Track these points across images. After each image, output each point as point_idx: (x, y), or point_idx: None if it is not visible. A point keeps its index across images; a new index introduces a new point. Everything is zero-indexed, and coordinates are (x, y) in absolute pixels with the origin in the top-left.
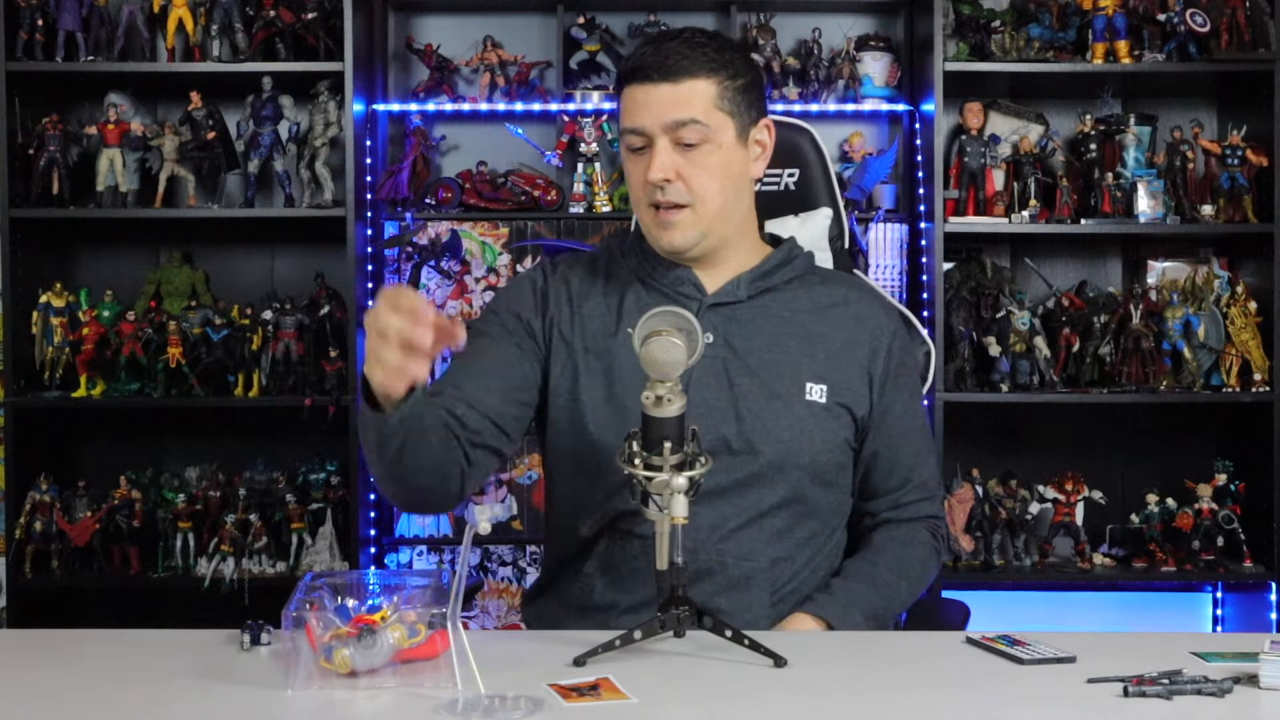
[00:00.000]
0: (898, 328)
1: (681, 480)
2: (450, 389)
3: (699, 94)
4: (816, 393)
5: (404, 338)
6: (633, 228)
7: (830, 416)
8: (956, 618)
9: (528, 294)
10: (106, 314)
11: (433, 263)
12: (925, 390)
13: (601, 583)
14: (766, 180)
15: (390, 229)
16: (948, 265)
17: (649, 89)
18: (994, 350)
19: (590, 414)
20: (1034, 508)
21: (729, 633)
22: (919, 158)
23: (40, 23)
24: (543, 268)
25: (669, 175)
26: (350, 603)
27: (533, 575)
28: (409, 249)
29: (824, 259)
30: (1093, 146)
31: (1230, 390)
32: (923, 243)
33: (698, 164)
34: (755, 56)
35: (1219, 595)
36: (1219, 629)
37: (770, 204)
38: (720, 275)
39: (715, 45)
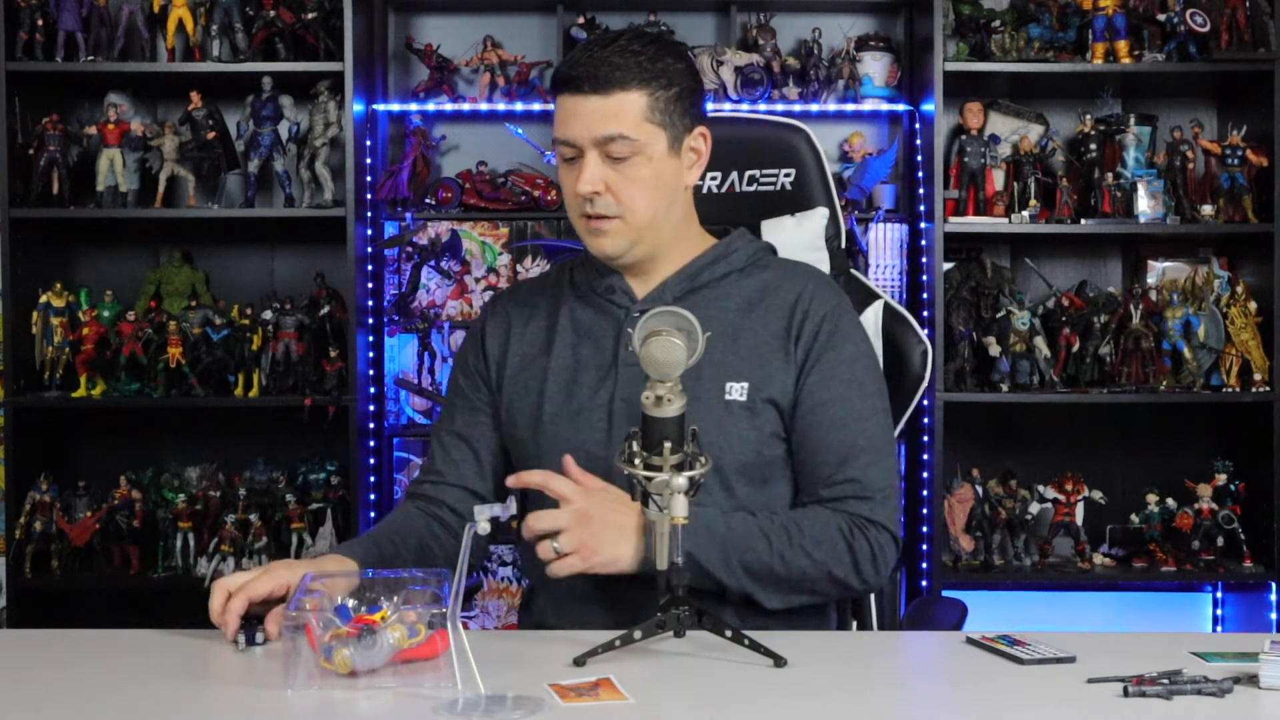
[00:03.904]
0: (832, 313)
1: (681, 480)
2: (429, 481)
3: (628, 107)
4: (736, 391)
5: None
6: None
7: (751, 414)
8: (953, 616)
9: (473, 341)
10: (106, 314)
11: (433, 263)
12: (924, 390)
13: (544, 600)
14: (763, 180)
15: (390, 229)
16: (948, 265)
17: (579, 100)
18: (994, 350)
19: (524, 438)
20: (1034, 508)
21: (729, 633)
22: (919, 158)
23: (40, 23)
24: (487, 307)
25: (597, 188)
26: (350, 603)
27: None
28: (409, 249)
29: (820, 258)
30: (1093, 146)
31: (1230, 390)
32: (923, 243)
33: (627, 176)
34: (756, 56)
35: (1219, 595)
36: (1219, 629)
37: (767, 204)
38: (653, 280)
39: (650, 53)
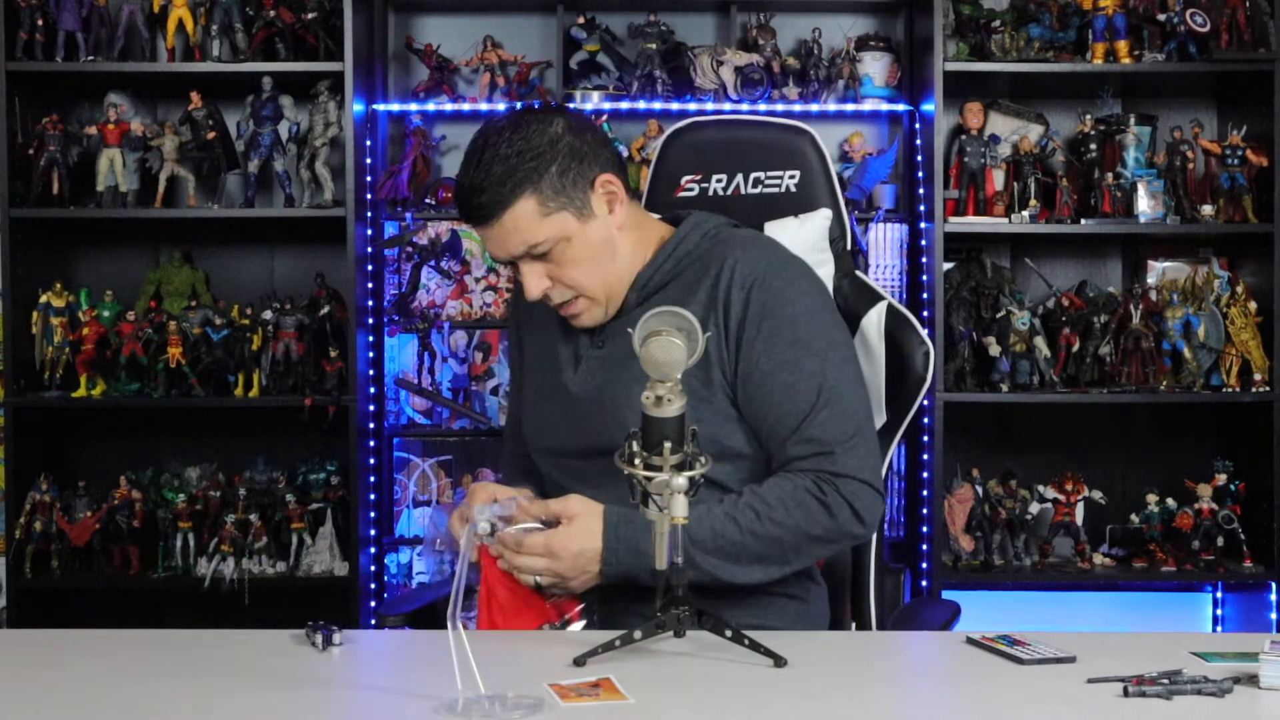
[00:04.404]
0: (762, 278)
1: (681, 480)
2: (512, 441)
3: (522, 218)
4: None
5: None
6: None
7: (698, 400)
8: (944, 616)
9: (510, 317)
10: (106, 314)
11: (433, 263)
12: (925, 390)
13: None
14: (768, 182)
15: (390, 229)
16: (948, 265)
17: (481, 231)
18: (994, 350)
19: (525, 419)
20: (1034, 508)
21: (729, 633)
22: (919, 158)
23: (40, 23)
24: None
25: (544, 288)
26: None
27: None
28: (409, 249)
29: (824, 259)
30: (1093, 146)
31: (1230, 390)
32: (923, 243)
33: (561, 263)
34: (756, 56)
35: (1219, 595)
36: (1219, 629)
37: (771, 206)
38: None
39: (515, 152)
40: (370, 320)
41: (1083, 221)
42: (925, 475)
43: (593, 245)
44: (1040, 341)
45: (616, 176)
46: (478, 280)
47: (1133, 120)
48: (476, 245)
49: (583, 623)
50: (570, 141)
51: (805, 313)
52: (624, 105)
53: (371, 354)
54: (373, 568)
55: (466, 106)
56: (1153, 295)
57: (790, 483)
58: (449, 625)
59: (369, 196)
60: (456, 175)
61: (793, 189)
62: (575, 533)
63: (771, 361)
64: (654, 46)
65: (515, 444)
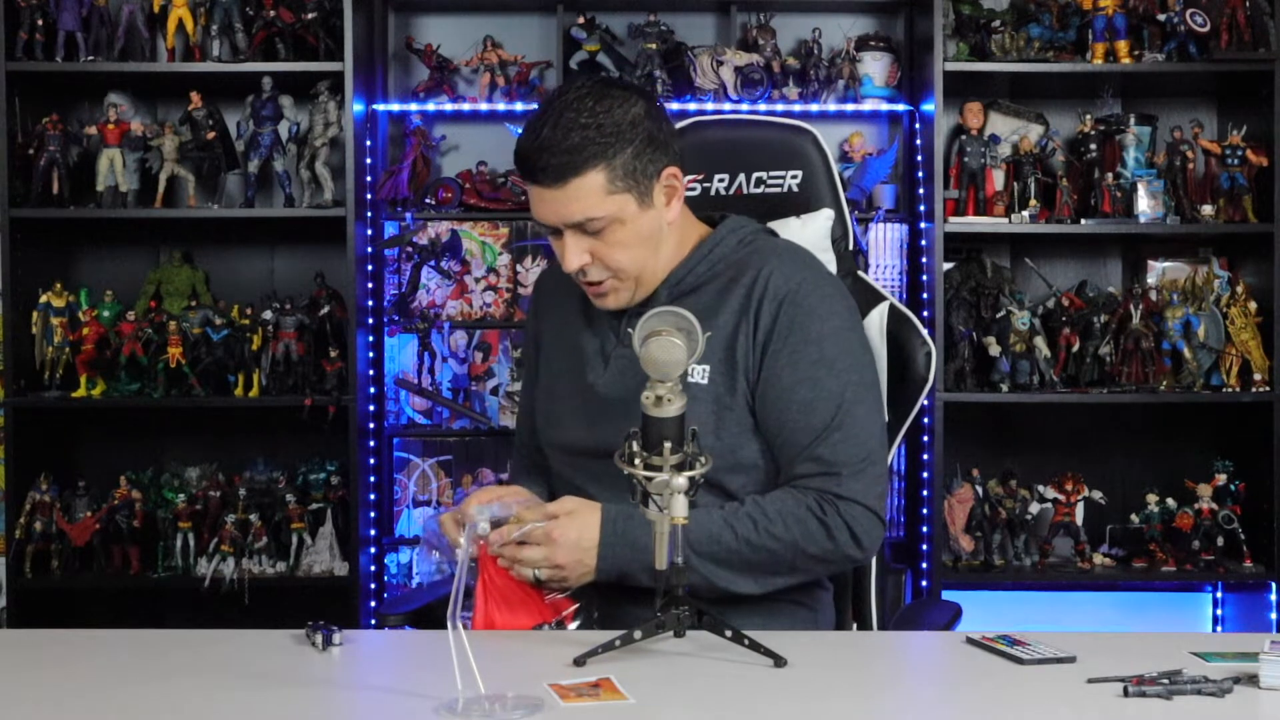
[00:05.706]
0: (795, 291)
1: (681, 480)
2: (524, 435)
3: (587, 189)
4: (698, 374)
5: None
6: None
7: (710, 397)
8: (945, 617)
9: (530, 309)
10: (106, 314)
11: (433, 263)
12: (926, 391)
13: None
14: (770, 182)
15: (390, 229)
16: (948, 265)
17: (539, 190)
18: (994, 350)
19: (540, 414)
20: (1034, 508)
21: (729, 633)
22: (919, 158)
23: (40, 23)
24: (541, 276)
25: (583, 263)
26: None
27: None
28: (409, 249)
29: (827, 260)
30: (1093, 146)
31: (1230, 390)
32: (923, 243)
33: (608, 243)
34: (756, 56)
35: (1219, 595)
36: (1219, 629)
37: (773, 206)
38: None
39: (596, 121)
40: (370, 320)
41: (1083, 221)
42: (925, 475)
43: (643, 233)
44: (1040, 341)
45: (681, 172)
46: (478, 280)
47: (1133, 120)
48: (476, 245)
49: (577, 623)
50: (649, 127)
51: (834, 332)
52: None
53: (371, 354)
54: (373, 568)
55: (466, 106)
56: (1153, 295)
57: (793, 498)
58: (449, 625)
59: (369, 196)
60: (524, 130)
61: (794, 189)
62: (574, 523)
63: (793, 376)
64: (654, 46)
65: (528, 436)
